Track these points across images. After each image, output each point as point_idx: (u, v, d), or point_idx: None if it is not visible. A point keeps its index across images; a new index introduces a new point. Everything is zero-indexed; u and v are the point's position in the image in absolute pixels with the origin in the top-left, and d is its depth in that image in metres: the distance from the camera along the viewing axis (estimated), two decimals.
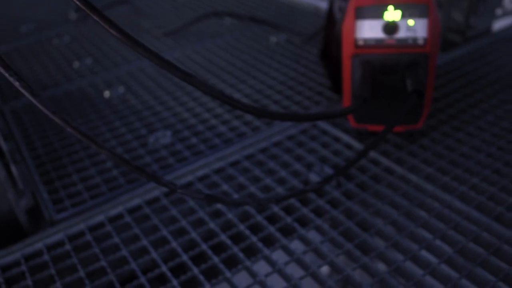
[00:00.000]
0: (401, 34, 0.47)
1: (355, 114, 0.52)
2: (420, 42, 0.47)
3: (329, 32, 0.65)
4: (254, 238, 0.44)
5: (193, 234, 0.45)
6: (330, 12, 0.64)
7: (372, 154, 0.53)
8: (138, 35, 0.91)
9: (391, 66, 0.47)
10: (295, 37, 0.82)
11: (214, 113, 0.64)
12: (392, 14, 0.47)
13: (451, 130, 0.56)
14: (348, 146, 0.55)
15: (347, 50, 0.49)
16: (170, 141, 0.59)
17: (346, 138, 0.56)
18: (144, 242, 0.44)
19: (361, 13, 0.47)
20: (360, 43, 0.48)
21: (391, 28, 0.47)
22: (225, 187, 0.50)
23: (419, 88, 0.44)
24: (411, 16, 0.46)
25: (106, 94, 0.71)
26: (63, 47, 0.90)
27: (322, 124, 0.59)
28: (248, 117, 0.62)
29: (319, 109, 0.62)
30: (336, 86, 0.64)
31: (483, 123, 0.57)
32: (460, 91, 0.64)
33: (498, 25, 0.85)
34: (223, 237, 0.44)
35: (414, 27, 0.46)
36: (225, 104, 0.36)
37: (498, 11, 0.82)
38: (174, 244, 0.44)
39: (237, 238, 0.46)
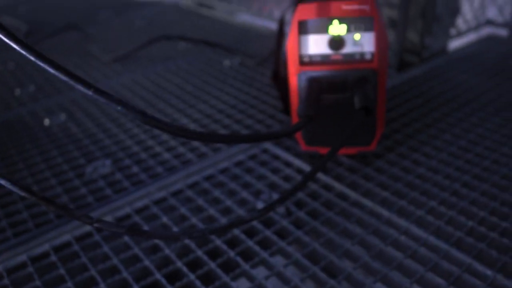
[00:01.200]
0: (348, 49, 0.44)
1: (305, 137, 0.49)
2: (368, 57, 0.44)
3: (279, 51, 0.62)
4: (192, 276, 0.39)
5: (125, 274, 0.40)
6: (280, 30, 0.61)
7: (325, 178, 0.50)
8: (87, 61, 0.86)
9: (339, 83, 0.44)
10: (249, 59, 0.79)
11: (159, 140, 0.60)
12: (337, 28, 0.44)
13: (408, 151, 0.53)
14: (300, 171, 0.52)
15: (292, 67, 0.46)
16: (109, 170, 0.54)
17: (297, 162, 0.53)
18: (69, 284, 0.39)
19: (305, 28, 0.44)
20: (305, 59, 0.45)
21: (336, 43, 0.44)
22: (164, 219, 0.46)
23: (367, 105, 0.41)
24: (356, 30, 0.44)
25: (46, 122, 0.66)
26: (7, 74, 0.84)
27: (273, 149, 0.56)
28: (194, 143, 0.58)
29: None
30: (288, 108, 0.61)
31: (440, 143, 0.54)
32: (416, 110, 0.62)
33: (453, 44, 0.84)
34: (158, 276, 0.39)
35: (360, 42, 0.44)
36: (148, 126, 0.32)
37: (452, 31, 0.81)
38: (102, 286, 0.39)
39: (174, 276, 0.41)
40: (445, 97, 0.65)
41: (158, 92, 0.72)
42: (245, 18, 1.03)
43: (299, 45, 0.45)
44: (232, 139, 0.35)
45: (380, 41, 0.43)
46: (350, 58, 0.44)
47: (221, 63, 0.81)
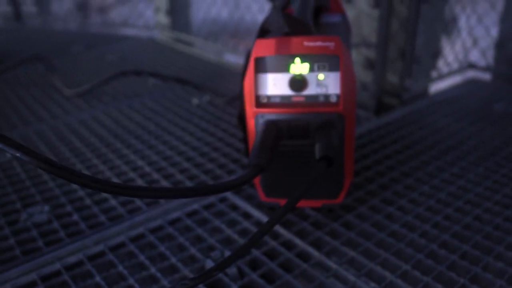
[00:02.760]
0: (311, 90, 0.39)
1: (264, 187, 0.44)
2: (333, 99, 0.39)
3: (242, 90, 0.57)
4: None
5: None
6: (245, 66, 0.57)
7: (286, 234, 0.44)
8: (48, 95, 0.81)
9: (300, 128, 0.39)
10: (219, 98, 0.75)
11: None
12: (299, 67, 0.39)
13: (381, 204, 0.48)
14: (260, 224, 0.46)
15: (249, 109, 0.41)
16: (46, 218, 0.48)
17: (258, 214, 0.47)
18: None
19: (263, 66, 0.40)
20: (263, 100, 0.40)
21: (298, 83, 0.39)
22: (97, 278, 0.39)
23: (329, 154, 0.36)
24: (320, 69, 0.39)
25: None
26: None
27: (232, 197, 0.50)
28: None
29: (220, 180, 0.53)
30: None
31: (417, 196, 0.49)
32: (393, 157, 0.57)
33: (435, 87, 0.81)
34: None
35: (324, 82, 0.39)
36: (54, 176, 0.28)
37: (434, 74, 0.77)
38: None
39: None
40: (425, 143, 0.60)
41: (118, 130, 0.67)
42: (223, 55, 1.00)
43: (256, 84, 0.40)
44: (160, 194, 0.29)
45: (347, 82, 0.39)
46: (313, 100, 0.39)
47: (189, 101, 0.76)
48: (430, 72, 0.76)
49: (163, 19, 1.13)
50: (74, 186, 0.53)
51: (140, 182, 0.54)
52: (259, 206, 0.48)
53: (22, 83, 0.88)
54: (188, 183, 0.53)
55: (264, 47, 0.39)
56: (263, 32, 0.42)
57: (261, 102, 0.40)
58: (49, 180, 0.55)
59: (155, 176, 0.55)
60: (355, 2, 0.70)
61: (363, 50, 0.71)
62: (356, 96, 0.41)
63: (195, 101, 0.75)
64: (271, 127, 0.39)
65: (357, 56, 0.72)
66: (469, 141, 0.60)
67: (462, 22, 0.81)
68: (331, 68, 0.39)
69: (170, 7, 1.10)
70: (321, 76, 0.39)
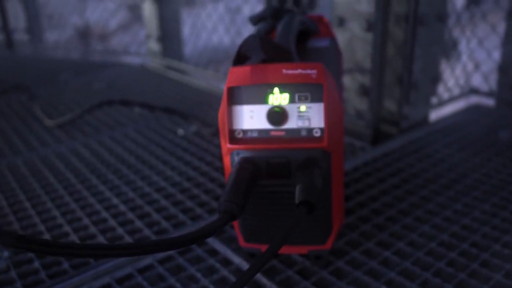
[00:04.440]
0: (291, 123, 0.35)
1: (243, 231, 0.39)
2: (316, 133, 0.35)
3: None
4: None
5: None
6: None
7: (269, 285, 0.39)
8: (28, 125, 0.77)
9: (280, 166, 0.35)
10: (205, 129, 0.70)
11: (76, 225, 0.49)
12: (278, 97, 0.35)
13: (376, 248, 0.43)
14: (239, 272, 0.41)
15: (223, 145, 0.36)
16: (4, 265, 0.43)
17: (238, 260, 0.42)
18: None
19: (238, 96, 0.36)
20: (238, 135, 0.36)
21: (277, 115, 0.35)
22: None
23: (309, 199, 0.31)
24: (302, 100, 0.35)
25: None
26: None
27: (211, 240, 0.45)
28: (110, 224, 0.48)
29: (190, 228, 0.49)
30: None
31: (416, 237, 0.44)
32: (391, 193, 0.52)
33: (435, 114, 0.76)
34: None
35: (307, 114, 0.35)
36: None
37: (433, 100, 0.73)
38: None
39: None
40: (425, 176, 0.56)
41: (96, 164, 0.62)
42: (213, 82, 0.96)
43: (231, 118, 0.36)
44: (115, 252, 0.25)
45: (332, 114, 0.34)
46: (294, 135, 0.35)
47: (175, 131, 0.72)
48: (429, 99, 0.72)
49: (154, 45, 1.10)
50: (41, 228, 0.49)
51: (113, 222, 0.49)
52: (241, 250, 0.43)
53: (3, 112, 0.84)
54: (164, 224, 0.48)
55: (239, 76, 0.35)
56: (240, 58, 0.38)
57: (236, 137, 0.36)
58: (14, 221, 0.50)
59: (130, 215, 0.50)
60: (347, 25, 0.66)
61: (357, 76, 0.67)
62: (343, 129, 0.37)
63: (180, 131, 0.71)
64: (246, 166, 0.34)
65: (351, 82, 0.68)
66: (473, 174, 0.56)
67: (462, 45, 0.78)
68: (314, 99, 0.34)
69: (161, 34, 1.07)
70: (302, 107, 0.35)
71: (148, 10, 1.09)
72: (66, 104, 0.87)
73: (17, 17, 1.45)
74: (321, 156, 0.34)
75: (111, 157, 0.64)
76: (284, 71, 0.34)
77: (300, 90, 0.35)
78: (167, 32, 1.08)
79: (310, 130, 0.35)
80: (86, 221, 0.49)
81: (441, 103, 0.75)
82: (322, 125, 0.35)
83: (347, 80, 0.68)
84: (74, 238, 0.47)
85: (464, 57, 0.78)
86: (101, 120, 0.78)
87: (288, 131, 0.35)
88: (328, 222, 0.37)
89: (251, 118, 0.35)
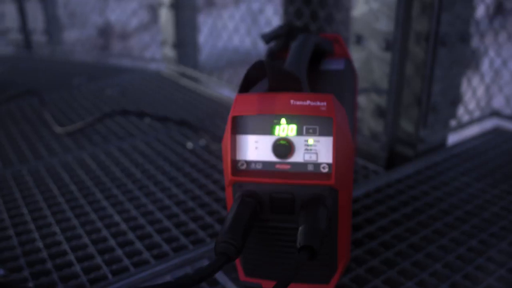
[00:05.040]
0: (298, 157, 0.33)
1: (244, 264, 0.37)
2: (324, 169, 0.33)
3: None
4: None
5: None
6: None
7: None
8: (37, 131, 0.76)
9: (284, 201, 0.33)
10: (215, 143, 0.69)
11: (75, 244, 0.48)
12: (284, 129, 0.33)
13: (383, 287, 0.41)
14: None
15: (226, 176, 0.34)
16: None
17: None
18: None
19: (243, 126, 0.34)
20: (241, 167, 0.34)
21: (283, 148, 0.33)
22: None
23: (312, 244, 0.29)
24: (310, 133, 0.33)
25: None
26: None
27: None
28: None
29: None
30: None
31: (427, 277, 0.42)
32: (403, 224, 0.50)
33: (454, 137, 0.74)
34: None
35: (314, 148, 0.33)
36: None
37: (452, 123, 0.70)
38: None
39: None
40: (440, 207, 0.53)
41: (101, 177, 0.61)
42: (226, 92, 0.95)
43: (234, 148, 0.34)
44: None
45: (341, 149, 0.32)
46: (300, 170, 0.33)
47: (184, 144, 0.71)
48: (449, 122, 0.69)
49: (170, 52, 1.09)
50: (39, 245, 0.47)
51: (112, 242, 0.47)
52: (241, 283, 0.42)
53: (14, 117, 0.84)
54: (165, 247, 0.46)
55: (245, 104, 0.33)
56: (248, 83, 0.36)
57: (239, 168, 0.34)
58: (13, 235, 0.49)
59: (130, 235, 0.48)
60: (365, 44, 0.64)
61: (373, 97, 0.64)
62: (353, 165, 0.34)
63: (189, 145, 0.70)
64: (248, 200, 0.33)
65: (367, 102, 0.66)
66: (492, 207, 0.53)
67: (485, 66, 0.75)
68: (323, 132, 0.32)
69: (177, 41, 1.06)
70: (310, 140, 0.33)
71: (165, 16, 1.08)
72: (77, 110, 0.86)
73: (36, 18, 1.46)
74: (328, 194, 0.32)
75: (117, 169, 0.63)
76: (292, 101, 0.32)
77: (309, 123, 0.33)
78: (183, 39, 1.07)
79: (317, 165, 0.33)
80: (85, 239, 0.48)
81: (461, 126, 0.73)
82: (330, 160, 0.32)
83: (362, 100, 0.66)
84: (71, 258, 0.45)
85: (487, 78, 0.75)
86: (110, 129, 0.77)
87: (294, 165, 0.33)
88: (332, 262, 0.35)
89: (256, 149, 0.34)
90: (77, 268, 0.44)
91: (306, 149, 0.33)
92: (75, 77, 1.09)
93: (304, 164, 0.33)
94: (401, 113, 0.66)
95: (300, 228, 0.30)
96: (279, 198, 0.33)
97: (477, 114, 0.76)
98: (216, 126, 0.77)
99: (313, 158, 0.33)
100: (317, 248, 0.29)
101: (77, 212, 0.53)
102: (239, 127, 0.34)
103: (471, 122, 0.75)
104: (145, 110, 0.85)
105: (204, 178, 0.60)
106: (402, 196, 0.55)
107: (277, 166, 0.33)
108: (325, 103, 0.32)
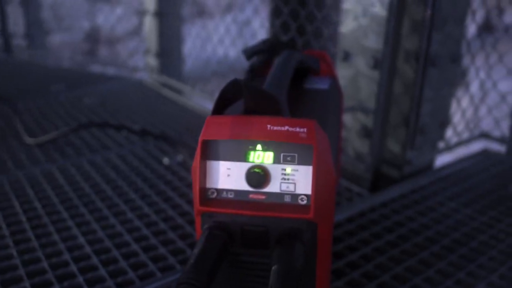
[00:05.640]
0: (274, 187, 0.30)
1: None
2: (302, 201, 0.30)
3: None
4: None
5: None
6: None
7: None
8: (6, 141, 0.72)
9: (257, 235, 0.30)
10: (192, 159, 0.65)
11: (32, 269, 0.44)
12: (260, 156, 0.30)
13: None
14: None
15: (195, 204, 0.31)
16: None
17: None
18: None
19: (214, 151, 0.31)
20: (211, 196, 0.31)
21: (258, 176, 0.30)
22: None
23: (285, 285, 0.26)
24: (288, 161, 0.30)
25: None
26: None
27: None
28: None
29: None
30: None
31: None
32: (386, 252, 0.47)
33: (441, 159, 0.71)
34: None
35: (292, 178, 0.30)
36: None
37: (440, 145, 0.68)
38: None
39: None
40: (425, 234, 0.50)
41: (68, 193, 0.57)
42: (209, 105, 0.91)
43: (204, 175, 0.31)
44: None
45: (322, 180, 0.29)
46: (276, 201, 0.30)
47: (160, 160, 0.67)
48: (437, 143, 0.66)
49: (153, 61, 1.06)
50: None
51: (74, 267, 0.44)
52: None
53: None
54: (131, 274, 0.43)
55: (217, 128, 0.30)
56: (222, 103, 0.33)
57: (208, 197, 0.31)
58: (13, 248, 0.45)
59: (94, 260, 0.45)
60: (353, 60, 0.61)
61: (359, 116, 0.62)
62: (335, 198, 0.31)
63: (166, 160, 0.66)
64: (217, 234, 0.29)
65: (352, 122, 0.63)
66: (481, 235, 0.50)
67: (474, 87, 0.73)
68: (302, 161, 0.29)
69: (161, 50, 1.03)
70: (288, 169, 0.30)
71: (149, 24, 1.05)
72: (52, 120, 0.82)
73: (18, 21, 1.42)
74: (306, 228, 0.29)
75: (86, 185, 0.59)
76: (269, 126, 0.29)
77: (287, 150, 0.30)
78: (167, 48, 1.04)
79: (295, 197, 0.30)
80: (44, 264, 0.44)
81: (449, 148, 0.70)
82: (309, 191, 0.29)
83: (348, 119, 0.63)
84: (26, 285, 0.41)
85: (476, 100, 0.73)
86: (84, 140, 0.73)
87: (270, 195, 0.30)
88: None
89: (228, 176, 0.30)
90: None
91: (283, 179, 0.30)
92: (53, 84, 1.05)
93: (281, 195, 0.30)
94: (388, 133, 0.64)
95: (273, 268, 0.27)
96: (251, 231, 0.30)
97: (465, 135, 0.74)
98: (196, 141, 0.74)
99: (290, 188, 0.30)
100: None
101: (39, 232, 0.49)
102: (210, 152, 0.31)
103: (459, 143, 0.73)
104: (123, 121, 0.81)
105: (179, 198, 0.57)
106: (387, 222, 0.53)
107: (251, 196, 0.30)
108: (305, 129, 0.29)
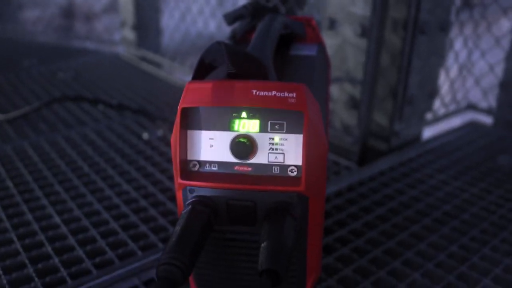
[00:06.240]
0: (261, 158, 0.28)
1: (197, 281, 0.32)
2: (292, 172, 0.27)
3: None
4: None
5: None
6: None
7: None
8: None
9: (243, 210, 0.28)
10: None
11: (6, 250, 0.41)
12: (245, 124, 0.28)
13: None
14: None
15: (176, 178, 0.29)
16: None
17: None
18: None
19: (195, 120, 0.28)
20: (193, 168, 0.28)
21: (243, 147, 0.27)
22: None
23: (275, 268, 0.24)
24: (276, 129, 0.27)
25: None
26: None
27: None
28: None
29: None
30: None
31: (405, 287, 0.37)
32: (377, 227, 0.45)
33: (428, 131, 0.70)
34: None
35: (281, 148, 0.27)
36: None
37: (428, 116, 0.66)
38: None
39: None
40: (416, 207, 0.49)
41: (43, 171, 0.54)
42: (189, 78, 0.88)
43: (184, 146, 0.28)
44: None
45: (313, 149, 0.27)
46: (263, 173, 0.28)
47: (139, 135, 0.64)
48: (424, 115, 0.65)
49: (129, 34, 1.01)
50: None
51: (49, 248, 0.41)
52: None
53: None
54: (110, 254, 0.41)
55: (198, 94, 0.27)
56: (202, 69, 0.30)
57: (190, 170, 0.28)
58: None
59: (71, 240, 0.42)
60: (339, 29, 0.59)
61: (346, 87, 0.60)
62: (326, 168, 0.29)
63: (145, 135, 0.63)
64: (200, 209, 0.27)
65: (339, 93, 0.61)
66: (472, 207, 0.49)
67: (462, 57, 0.71)
68: (291, 129, 0.27)
69: (137, 22, 0.99)
70: (276, 138, 0.27)
71: None
72: (23, 95, 0.78)
73: None
74: (297, 202, 0.27)
75: (61, 162, 0.56)
76: (254, 91, 0.27)
77: (274, 117, 0.27)
78: (144, 20, 0.99)
79: (284, 168, 0.27)
80: (17, 245, 0.42)
81: (436, 119, 0.69)
82: (299, 162, 0.27)
83: (335, 91, 0.61)
84: None
85: (464, 70, 0.71)
86: (59, 115, 0.70)
87: (257, 167, 0.28)
88: (301, 278, 0.30)
89: (211, 147, 0.28)
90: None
91: (271, 149, 0.27)
92: (25, 58, 1.00)
93: (269, 166, 0.28)
94: (375, 105, 0.62)
95: (263, 246, 0.25)
96: (238, 206, 0.27)
97: (452, 107, 0.73)
98: (176, 115, 0.71)
99: (279, 159, 0.27)
100: (282, 273, 0.24)
101: (10, 212, 0.46)
102: (190, 121, 0.28)
103: (447, 115, 0.71)
104: (99, 96, 0.78)
105: (160, 173, 0.54)
106: (376, 195, 0.51)
107: (236, 168, 0.28)
108: (294, 94, 0.26)
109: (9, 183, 0.51)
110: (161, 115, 0.69)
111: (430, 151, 0.61)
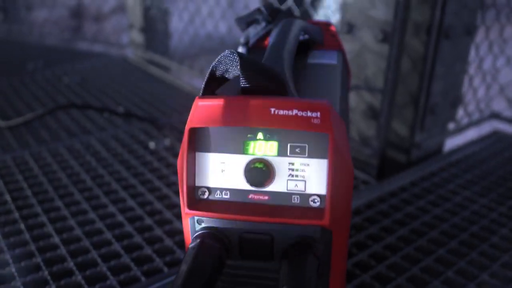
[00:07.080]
0: (279, 185, 0.24)
1: None
2: (314, 203, 0.24)
3: None
4: None
5: None
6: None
7: None
8: None
9: (259, 246, 0.24)
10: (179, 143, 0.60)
11: None
12: (262, 146, 0.24)
13: None
14: None
15: (182, 206, 0.25)
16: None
17: None
18: None
19: (205, 142, 0.25)
20: (202, 196, 0.25)
21: (259, 173, 0.24)
22: None
23: None
24: (296, 153, 0.24)
25: None
26: None
27: None
28: None
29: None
30: None
31: None
32: (398, 251, 0.42)
33: (451, 143, 0.66)
34: None
35: (302, 175, 0.24)
36: None
37: (451, 126, 0.63)
38: None
39: None
40: (440, 228, 0.45)
41: (43, 184, 0.51)
42: (198, 82, 0.85)
43: (192, 170, 0.25)
44: None
45: (339, 177, 0.24)
46: (282, 203, 0.24)
47: (146, 144, 0.61)
48: (447, 125, 0.61)
49: (137, 36, 0.99)
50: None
51: (45, 273, 0.38)
52: None
53: None
54: (111, 280, 0.37)
55: (207, 111, 0.24)
56: (213, 81, 0.27)
57: (198, 198, 0.25)
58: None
59: (69, 264, 0.39)
60: (358, 33, 0.55)
61: (365, 95, 0.56)
62: (352, 196, 0.26)
63: (152, 145, 0.60)
64: (211, 245, 0.24)
65: (357, 102, 0.57)
66: (501, 229, 0.45)
67: (487, 63, 0.67)
68: (314, 153, 0.24)
69: (145, 24, 0.96)
70: (297, 163, 0.24)
71: None
72: (27, 100, 0.76)
73: None
74: (320, 236, 0.24)
75: (63, 174, 0.53)
76: (273, 110, 0.23)
77: (295, 139, 0.24)
78: (152, 22, 0.97)
79: (305, 197, 0.24)
80: (11, 268, 0.39)
81: (459, 129, 0.65)
82: (323, 191, 0.24)
83: (352, 99, 0.58)
84: None
85: (488, 77, 0.67)
86: (62, 123, 0.67)
87: (274, 195, 0.24)
88: None
89: (222, 172, 0.25)
90: None
91: (291, 175, 0.24)
92: (30, 61, 0.97)
93: (288, 195, 0.24)
94: (394, 114, 0.58)
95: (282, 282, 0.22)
96: (252, 239, 0.24)
97: (476, 116, 0.69)
98: (184, 123, 0.68)
99: (299, 187, 0.24)
100: None
101: (7, 231, 0.43)
102: (199, 143, 0.25)
103: (469, 124, 0.68)
104: (105, 102, 0.75)
105: (166, 188, 0.51)
106: (397, 214, 0.47)
107: (251, 196, 0.25)
108: (318, 114, 0.23)
109: (7, 197, 0.48)
110: (168, 122, 0.66)
111: (453, 164, 0.58)
